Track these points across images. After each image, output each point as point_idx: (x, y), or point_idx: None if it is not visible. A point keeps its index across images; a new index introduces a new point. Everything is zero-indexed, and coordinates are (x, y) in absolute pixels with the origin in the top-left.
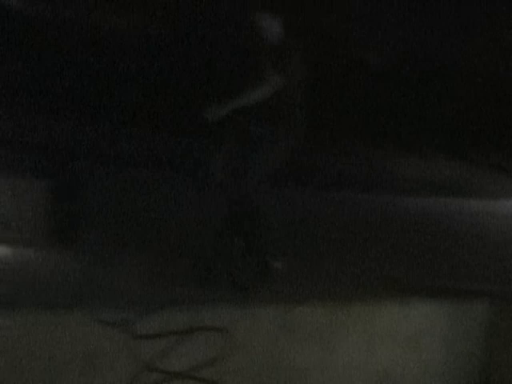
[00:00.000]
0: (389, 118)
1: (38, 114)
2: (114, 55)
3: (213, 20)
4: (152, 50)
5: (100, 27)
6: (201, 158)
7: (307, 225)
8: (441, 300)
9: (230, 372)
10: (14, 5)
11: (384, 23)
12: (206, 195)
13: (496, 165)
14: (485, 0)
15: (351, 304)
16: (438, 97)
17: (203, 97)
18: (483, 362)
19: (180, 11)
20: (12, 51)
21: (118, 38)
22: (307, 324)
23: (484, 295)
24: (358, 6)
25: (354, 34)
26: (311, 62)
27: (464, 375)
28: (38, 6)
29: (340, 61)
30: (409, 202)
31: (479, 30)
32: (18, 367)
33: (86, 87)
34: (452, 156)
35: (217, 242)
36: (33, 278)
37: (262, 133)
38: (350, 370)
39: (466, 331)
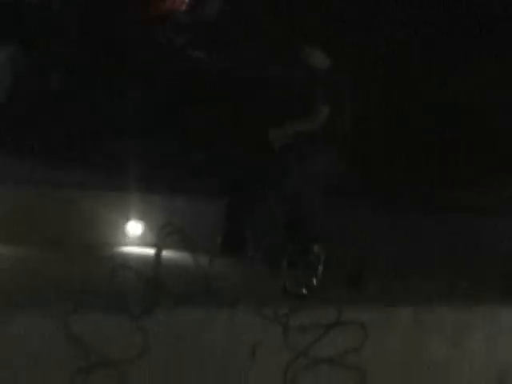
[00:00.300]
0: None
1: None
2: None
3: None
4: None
5: None
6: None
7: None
8: None
9: (369, 360)
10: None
11: None
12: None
13: None
14: None
15: (476, 304)
16: None
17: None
18: None
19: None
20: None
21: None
22: (436, 322)
23: None
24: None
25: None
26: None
27: None
28: None
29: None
30: None
31: None
32: (195, 357)
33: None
34: None
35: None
36: (205, 280)
37: (312, 153)
38: (474, 364)
39: None
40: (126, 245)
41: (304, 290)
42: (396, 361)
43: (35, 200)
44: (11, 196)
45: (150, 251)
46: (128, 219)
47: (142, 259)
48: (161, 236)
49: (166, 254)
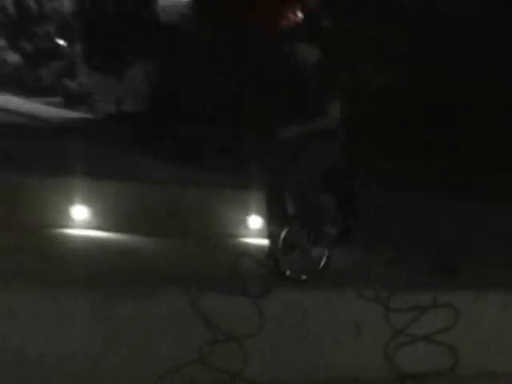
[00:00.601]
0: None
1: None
2: None
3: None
4: None
5: None
6: None
7: None
8: None
9: (460, 339)
10: None
11: None
12: None
13: None
14: None
15: None
16: None
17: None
18: None
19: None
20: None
21: None
22: None
23: None
24: None
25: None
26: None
27: None
28: None
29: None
30: None
31: None
32: (306, 333)
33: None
34: None
35: None
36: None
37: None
38: None
39: None
40: (249, 236)
41: (303, 276)
42: (484, 339)
43: (176, 197)
44: (153, 193)
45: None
46: (250, 214)
47: (262, 248)
48: None
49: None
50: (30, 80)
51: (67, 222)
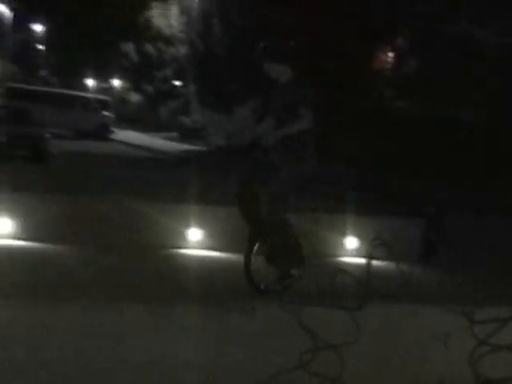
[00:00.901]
0: None
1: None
2: None
3: None
4: None
5: None
6: None
7: None
8: None
9: None
10: None
11: None
12: None
13: None
14: None
15: None
16: None
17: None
18: None
19: None
20: None
21: None
22: None
23: None
24: None
25: None
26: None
27: None
28: None
29: None
30: None
31: None
32: (397, 343)
33: None
34: None
35: None
36: (407, 283)
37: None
38: None
39: None
40: (345, 256)
41: (277, 287)
42: None
43: None
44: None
45: (363, 260)
46: (346, 235)
47: (357, 266)
48: (371, 248)
49: (375, 262)
50: (149, 117)
51: (183, 243)
